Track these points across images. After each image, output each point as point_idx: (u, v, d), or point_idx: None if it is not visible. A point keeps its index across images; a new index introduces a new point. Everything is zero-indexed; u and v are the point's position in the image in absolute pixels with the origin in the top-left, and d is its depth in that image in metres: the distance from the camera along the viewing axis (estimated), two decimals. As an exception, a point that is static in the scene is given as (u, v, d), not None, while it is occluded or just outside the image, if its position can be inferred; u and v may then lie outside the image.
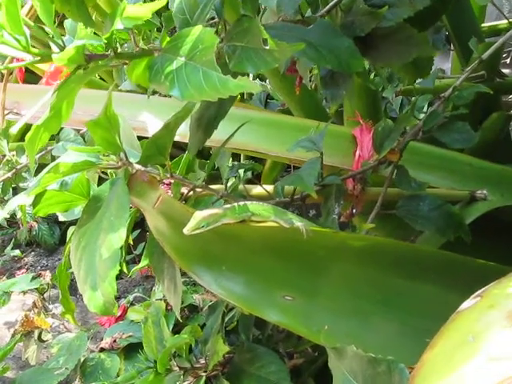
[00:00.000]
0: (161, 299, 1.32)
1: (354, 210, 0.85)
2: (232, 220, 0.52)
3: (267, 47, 0.45)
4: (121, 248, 0.48)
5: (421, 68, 0.70)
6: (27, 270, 2.10)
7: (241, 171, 0.69)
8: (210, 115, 0.57)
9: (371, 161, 0.86)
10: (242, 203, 0.53)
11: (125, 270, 0.73)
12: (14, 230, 2.22)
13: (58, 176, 0.55)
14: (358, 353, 0.45)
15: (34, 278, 1.63)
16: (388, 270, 0.58)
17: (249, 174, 0.71)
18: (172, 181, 0.69)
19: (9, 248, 2.18)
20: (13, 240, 2.22)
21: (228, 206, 0.52)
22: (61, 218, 0.81)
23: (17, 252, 2.14)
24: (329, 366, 0.48)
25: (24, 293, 1.70)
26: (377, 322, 0.57)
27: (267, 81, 1.47)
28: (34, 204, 0.66)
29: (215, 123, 0.57)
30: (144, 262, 0.74)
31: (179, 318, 0.65)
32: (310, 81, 1.20)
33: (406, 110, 0.94)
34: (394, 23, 0.56)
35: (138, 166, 0.58)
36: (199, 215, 0.52)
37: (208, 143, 0.68)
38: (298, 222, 0.52)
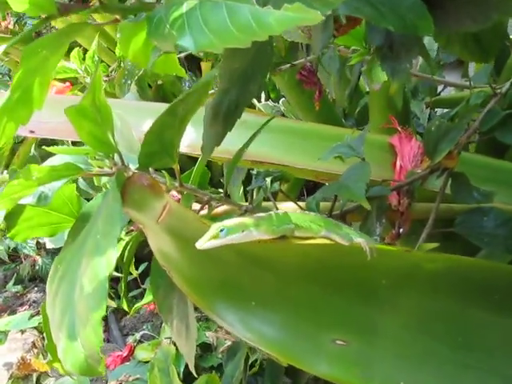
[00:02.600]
0: (171, 337, 1.20)
1: (401, 230, 0.70)
2: (267, 235, 0.37)
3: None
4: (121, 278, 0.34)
5: (487, 49, 0.56)
6: (30, 306, 2.02)
7: (268, 179, 0.54)
8: (231, 101, 0.43)
9: (419, 170, 0.72)
10: (281, 212, 0.38)
11: (125, 307, 0.59)
12: (16, 264, 2.13)
13: (30, 185, 0.41)
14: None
15: (32, 316, 1.52)
16: (472, 301, 0.43)
17: (276, 185, 0.57)
18: (181, 194, 0.55)
19: (10, 284, 2.09)
20: (15, 275, 2.13)
21: (262, 214, 0.37)
22: (48, 245, 0.67)
23: (18, 288, 2.04)
24: None
25: (22, 332, 1.61)
26: (459, 371, 0.42)
27: (280, 101, 1.40)
28: (9, 226, 0.52)
29: (237, 111, 0.43)
30: (148, 298, 0.59)
31: (193, 372, 0.49)
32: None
33: (461, 105, 0.80)
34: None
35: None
36: (219, 224, 0.37)
37: (219, 155, 0.57)
38: (359, 238, 0.38)
